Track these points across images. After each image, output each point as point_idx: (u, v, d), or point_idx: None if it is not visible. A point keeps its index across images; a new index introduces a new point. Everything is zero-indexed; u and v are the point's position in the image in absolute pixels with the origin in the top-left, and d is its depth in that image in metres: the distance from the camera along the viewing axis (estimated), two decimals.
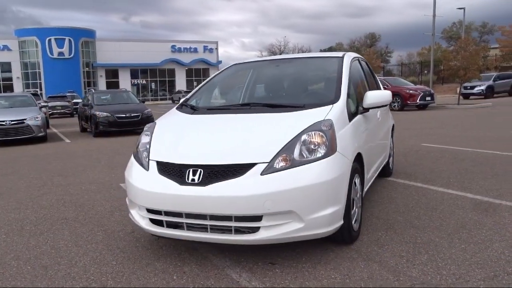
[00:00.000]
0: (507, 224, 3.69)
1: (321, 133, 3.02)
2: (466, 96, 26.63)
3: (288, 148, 2.94)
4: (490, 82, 27.21)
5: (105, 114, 13.41)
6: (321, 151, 2.94)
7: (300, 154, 2.92)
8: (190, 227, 2.99)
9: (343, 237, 3.20)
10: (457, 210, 4.14)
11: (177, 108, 4.02)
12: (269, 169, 2.84)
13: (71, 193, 5.58)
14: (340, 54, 4.36)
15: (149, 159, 3.23)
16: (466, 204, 4.32)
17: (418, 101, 19.71)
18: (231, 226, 2.86)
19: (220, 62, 57.98)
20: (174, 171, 3.02)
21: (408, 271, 2.85)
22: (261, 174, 2.83)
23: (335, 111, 3.31)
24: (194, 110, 3.88)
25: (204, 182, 2.88)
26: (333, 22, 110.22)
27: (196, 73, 56.50)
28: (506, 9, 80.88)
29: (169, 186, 2.97)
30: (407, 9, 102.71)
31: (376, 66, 33.45)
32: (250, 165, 2.87)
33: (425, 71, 38.15)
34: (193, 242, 3.34)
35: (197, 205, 2.87)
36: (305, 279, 2.79)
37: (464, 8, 33.20)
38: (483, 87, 27.13)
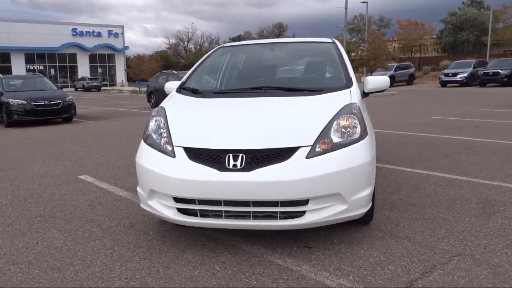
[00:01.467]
0: (489, 197, 4.08)
1: (353, 116, 3.06)
2: None
3: (326, 131, 2.93)
4: (392, 72, 29.55)
5: (20, 101, 12.09)
6: (356, 134, 2.99)
7: (338, 137, 2.94)
8: (229, 215, 2.86)
9: (366, 217, 3.30)
10: (438, 187, 4.49)
11: (178, 92, 3.79)
12: (313, 152, 2.82)
13: (26, 188, 5.00)
14: (327, 39, 4.44)
15: (173, 146, 3.01)
16: (441, 182, 4.69)
17: None
18: (276, 212, 2.80)
19: (126, 47, 55.33)
20: (211, 157, 2.86)
21: (438, 244, 3.03)
22: (307, 158, 2.79)
23: (354, 95, 3.38)
24: (199, 93, 3.69)
25: (247, 167, 2.77)
26: (237, 11, 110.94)
27: (101, 59, 53.29)
28: (403, 3, 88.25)
29: (206, 173, 2.80)
30: (308, 1, 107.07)
31: None
32: (294, 149, 2.82)
33: None
34: (217, 231, 3.23)
35: (240, 192, 2.76)
36: (353, 259, 2.84)
37: (367, 2, 35.44)
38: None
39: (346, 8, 27.43)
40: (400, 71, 30.93)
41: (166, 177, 2.91)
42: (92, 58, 52.52)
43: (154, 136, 3.20)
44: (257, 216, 2.83)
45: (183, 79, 4.01)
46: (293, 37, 66.52)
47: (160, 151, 3.06)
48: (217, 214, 2.88)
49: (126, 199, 4.43)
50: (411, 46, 39.24)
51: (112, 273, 2.77)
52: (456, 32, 42.85)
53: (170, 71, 18.71)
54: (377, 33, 23.93)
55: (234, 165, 2.79)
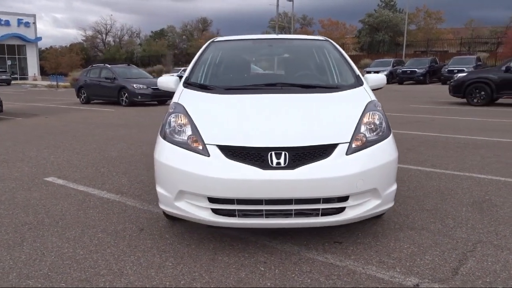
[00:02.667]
0: (471, 187, 4.43)
1: (378, 113, 3.15)
2: None
3: (358, 128, 2.99)
4: None
5: None
6: (383, 131, 3.08)
7: (368, 134, 3.01)
8: (270, 214, 2.81)
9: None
10: (420, 180, 4.77)
11: (186, 88, 3.61)
12: (351, 149, 2.86)
13: None
14: (321, 37, 4.52)
15: (205, 144, 2.88)
16: (419, 174, 5.00)
17: None
18: (318, 209, 2.80)
19: (39, 38, 51.43)
20: (251, 156, 2.78)
21: (454, 233, 3.23)
22: (346, 154, 2.83)
23: (370, 93, 3.48)
24: (208, 89, 3.55)
25: (291, 165, 2.74)
26: (155, 4, 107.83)
27: (10, 50, 48.94)
28: (326, 3, 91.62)
29: (247, 172, 2.73)
30: None
31: None
32: (333, 146, 2.84)
33: None
34: (232, 230, 3.17)
35: (284, 190, 2.72)
36: (388, 252, 2.93)
37: (293, 1, 36.38)
38: None
39: (277, 5, 27.96)
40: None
41: (202, 176, 2.78)
42: (0, 49, 48.09)
43: (177, 134, 3.04)
44: (298, 213, 2.81)
45: (186, 74, 3.83)
46: (218, 33, 66.25)
47: (188, 150, 2.91)
48: (257, 214, 2.81)
49: (116, 201, 4.16)
50: None
51: (152, 281, 2.59)
52: (373, 33, 45.53)
53: (103, 65, 17.72)
54: (308, 31, 24.59)
55: (278, 163, 2.74)
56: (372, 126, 3.05)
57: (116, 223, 3.57)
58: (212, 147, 2.86)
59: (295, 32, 35.17)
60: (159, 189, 3.08)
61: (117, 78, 15.83)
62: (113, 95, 15.88)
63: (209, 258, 2.88)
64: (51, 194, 4.43)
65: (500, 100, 13.87)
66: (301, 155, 2.78)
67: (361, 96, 3.36)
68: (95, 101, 17.23)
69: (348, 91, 3.46)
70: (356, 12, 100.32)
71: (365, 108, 3.15)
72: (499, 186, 4.48)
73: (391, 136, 3.11)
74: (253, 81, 3.76)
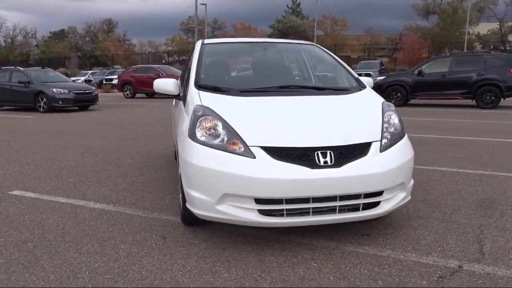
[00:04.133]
0: (459, 181, 4.92)
1: (394, 113, 3.41)
2: None
3: (383, 127, 3.21)
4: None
5: None
6: (401, 129, 3.34)
7: (391, 132, 3.24)
8: (316, 212, 2.91)
9: None
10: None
11: (201, 90, 3.55)
12: (382, 146, 3.07)
13: None
14: (308, 42, 4.73)
15: (247, 146, 2.89)
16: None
17: None
18: (359, 204, 2.97)
19: None
20: (297, 156, 2.86)
21: (466, 220, 3.59)
22: (380, 152, 3.03)
23: (377, 94, 3.73)
24: (223, 91, 3.53)
25: (337, 163, 2.87)
26: (50, 3, 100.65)
27: None
28: (238, 7, 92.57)
29: (296, 172, 2.80)
30: None
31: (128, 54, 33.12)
32: (368, 144, 3.03)
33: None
34: (255, 229, 3.22)
35: (331, 187, 2.84)
36: (415, 240, 3.18)
37: (205, 4, 36.38)
38: None
39: (196, 8, 27.81)
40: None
41: (250, 178, 2.79)
42: None
43: (212, 137, 3.01)
44: (342, 209, 2.95)
45: (194, 77, 3.75)
46: (125, 34, 63.82)
47: (229, 152, 2.90)
48: (304, 212, 2.90)
49: (113, 211, 3.94)
50: None
51: (216, 285, 2.55)
52: (282, 38, 47.22)
53: (14, 67, 16.20)
54: (227, 34, 24.78)
55: (325, 162, 2.86)
56: (392, 124, 3.30)
57: (131, 233, 3.40)
58: (256, 148, 2.89)
59: (209, 36, 35.11)
60: (194, 194, 3.01)
61: (32, 82, 14.61)
62: (28, 100, 14.62)
63: (256, 259, 2.90)
64: (31, 208, 4.05)
65: (412, 101, 15.34)
66: (344, 154, 2.92)
67: (373, 97, 3.60)
68: (4, 107, 15.73)
69: (358, 93, 3.68)
70: (267, 17, 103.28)
71: (382, 108, 3.39)
72: (446, 174, 5.04)
73: (406, 135, 3.38)
74: (264, 84, 3.81)
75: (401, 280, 2.59)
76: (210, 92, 3.52)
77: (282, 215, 2.88)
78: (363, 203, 2.98)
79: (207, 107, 3.22)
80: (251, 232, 3.31)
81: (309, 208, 2.89)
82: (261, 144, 2.90)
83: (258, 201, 2.84)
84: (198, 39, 26.44)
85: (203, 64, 3.96)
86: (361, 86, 3.84)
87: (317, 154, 2.87)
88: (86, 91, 15.16)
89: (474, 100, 13.90)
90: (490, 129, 9.02)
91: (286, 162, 2.84)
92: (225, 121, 3.07)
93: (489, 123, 10.20)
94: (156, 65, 23.30)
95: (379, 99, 3.57)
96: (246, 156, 2.87)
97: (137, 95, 22.21)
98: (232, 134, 2.98)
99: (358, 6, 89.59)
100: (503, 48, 37.55)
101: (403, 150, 3.19)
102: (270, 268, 2.78)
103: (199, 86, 3.63)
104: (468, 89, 13.66)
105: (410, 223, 3.53)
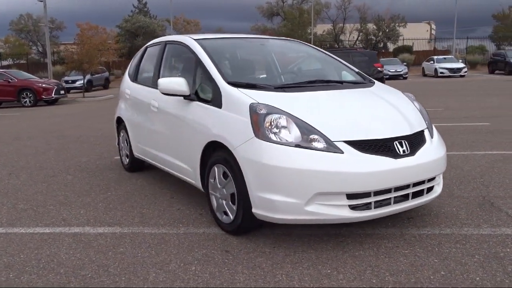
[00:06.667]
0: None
1: (418, 103, 3.65)
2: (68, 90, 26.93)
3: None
4: (89, 77, 28.79)
5: None
6: (428, 117, 3.59)
7: (427, 119, 3.46)
8: (396, 201, 2.98)
9: None
10: None
11: (237, 87, 3.27)
12: (429, 133, 3.30)
13: None
14: (293, 39, 4.77)
15: (331, 141, 2.81)
16: None
17: (53, 95, 18.62)
18: (423, 189, 3.13)
19: None
20: (379, 147, 2.89)
21: (469, 192, 4.03)
22: (432, 138, 3.25)
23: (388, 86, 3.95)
24: (258, 88, 3.33)
25: (411, 152, 2.99)
26: None
27: None
28: (82, 6, 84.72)
29: (383, 163, 2.84)
30: None
31: None
32: (422, 132, 3.22)
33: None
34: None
35: (411, 175, 2.95)
36: (453, 220, 3.47)
37: (44, 1, 32.66)
38: (84, 81, 28.42)
39: (45, 6, 24.71)
40: (97, 76, 30.50)
41: (343, 173, 2.73)
42: None
43: (286, 134, 2.85)
44: (414, 196, 3.08)
45: (219, 74, 3.43)
46: None
47: (312, 149, 2.79)
48: (387, 202, 2.94)
49: (139, 233, 3.40)
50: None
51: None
52: (132, 38, 45.37)
53: None
54: (86, 36, 22.58)
55: (404, 151, 2.95)
56: (424, 113, 3.53)
57: (185, 253, 2.99)
58: (340, 143, 2.83)
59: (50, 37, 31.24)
60: (277, 198, 2.80)
61: None
62: None
63: (349, 256, 2.84)
64: (19, 245, 3.24)
65: None
66: (413, 142, 3.06)
67: (392, 89, 3.81)
68: None
69: (376, 86, 3.83)
70: (113, 17, 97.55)
71: (408, 99, 3.62)
72: None
73: None
74: (291, 79, 3.71)
75: (497, 252, 2.83)
76: (248, 89, 3.29)
77: (369, 208, 2.88)
78: (426, 188, 3.16)
79: (268, 104, 3.01)
80: (306, 229, 3.22)
81: (390, 198, 2.95)
82: (344, 139, 2.85)
83: (350, 196, 2.79)
84: (48, 38, 23.44)
85: (217, 61, 3.65)
86: (367, 79, 4.01)
87: (395, 144, 2.95)
88: None
89: None
90: None
91: (371, 154, 2.85)
92: (296, 117, 2.92)
93: None
94: (3, 70, 20.10)
95: (398, 91, 3.79)
96: (334, 152, 2.79)
97: None
98: (310, 130, 2.86)
99: (209, 8, 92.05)
100: (338, 45, 42.56)
101: (438, 135, 3.46)
102: (382, 261, 2.76)
103: (234, 84, 3.35)
104: None
105: (435, 203, 3.77)
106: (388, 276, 2.57)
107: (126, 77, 5.46)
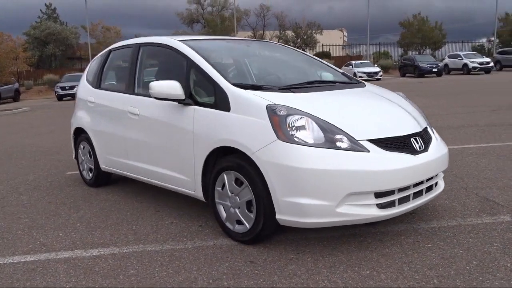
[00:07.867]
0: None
1: (412, 102, 3.76)
2: None
3: None
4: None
5: None
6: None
7: (425, 117, 3.57)
8: (414, 197, 3.02)
9: None
10: None
11: (245, 89, 3.12)
12: (432, 130, 3.40)
13: None
14: (269, 40, 4.70)
15: (356, 140, 2.78)
16: None
17: None
18: (433, 184, 3.21)
19: None
20: (399, 144, 2.92)
21: (465, 182, 4.21)
22: (434, 134, 3.36)
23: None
24: (263, 89, 3.20)
25: (425, 148, 3.05)
26: None
27: None
28: None
29: (405, 160, 2.87)
30: None
31: None
32: (427, 128, 3.31)
33: None
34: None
35: (428, 171, 3.02)
36: (464, 208, 3.61)
37: None
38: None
39: None
40: (5, 87, 28.03)
41: (372, 172, 2.71)
42: None
43: (310, 135, 2.77)
44: (426, 191, 3.14)
45: (221, 76, 3.23)
46: None
47: (338, 149, 2.74)
48: (407, 199, 2.96)
49: (143, 251, 3.10)
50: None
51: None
52: (42, 46, 42.44)
53: None
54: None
55: (420, 147, 3.00)
56: (421, 111, 3.64)
57: (207, 268, 2.77)
58: (364, 142, 2.81)
59: None
60: (306, 201, 2.69)
61: None
62: None
63: (380, 255, 2.82)
64: (29, 276, 2.80)
65: None
66: (424, 138, 3.14)
67: (385, 89, 3.88)
68: None
69: (369, 85, 3.86)
70: (20, 24, 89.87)
71: (404, 98, 3.71)
72: None
73: None
74: (290, 81, 3.62)
75: (510, 238, 2.97)
76: (255, 90, 3.16)
77: (393, 205, 2.88)
78: (435, 183, 3.24)
79: (286, 105, 2.90)
80: (318, 234, 3.17)
81: (410, 195, 2.98)
82: (368, 137, 2.83)
83: (377, 195, 2.78)
84: None
85: (214, 63, 3.46)
86: (355, 80, 4.06)
87: (412, 141, 2.99)
88: None
89: None
90: None
91: (394, 151, 2.86)
92: (317, 117, 2.85)
93: None
94: None
95: (391, 91, 3.87)
96: (361, 151, 2.76)
97: None
98: (333, 130, 2.80)
99: (127, 15, 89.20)
100: None
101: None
102: (414, 260, 2.76)
103: (238, 86, 3.19)
104: None
105: (439, 202, 3.87)
106: (427, 270, 2.58)
107: (85, 84, 5.02)
